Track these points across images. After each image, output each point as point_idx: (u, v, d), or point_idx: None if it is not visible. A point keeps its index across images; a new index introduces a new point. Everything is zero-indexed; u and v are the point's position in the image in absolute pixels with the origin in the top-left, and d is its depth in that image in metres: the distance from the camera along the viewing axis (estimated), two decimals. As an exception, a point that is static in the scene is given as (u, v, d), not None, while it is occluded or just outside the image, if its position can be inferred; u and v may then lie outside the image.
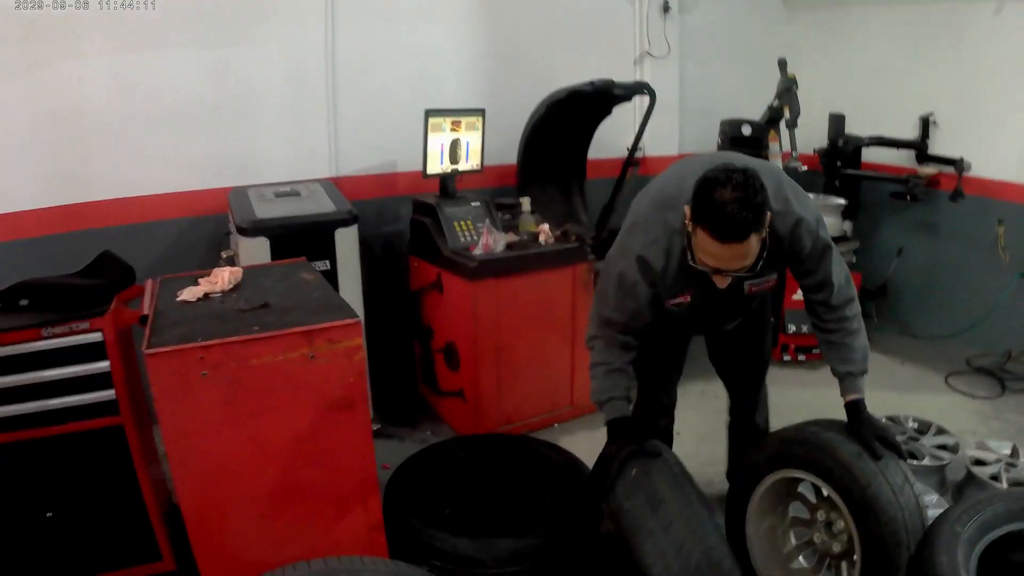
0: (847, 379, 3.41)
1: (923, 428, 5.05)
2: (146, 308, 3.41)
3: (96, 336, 3.37)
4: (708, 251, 2.95)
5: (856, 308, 3.42)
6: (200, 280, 3.59)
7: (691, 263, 3.09)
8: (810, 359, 6.72)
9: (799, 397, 5.97)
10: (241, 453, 3.02)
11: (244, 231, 4.72)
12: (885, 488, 3.09)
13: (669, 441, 4.25)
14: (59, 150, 4.97)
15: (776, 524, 3.70)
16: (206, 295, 3.47)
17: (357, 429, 3.22)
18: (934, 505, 3.97)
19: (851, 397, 3.40)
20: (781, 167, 4.01)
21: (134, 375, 3.64)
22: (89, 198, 5.10)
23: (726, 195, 2.79)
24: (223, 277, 3.59)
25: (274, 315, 3.18)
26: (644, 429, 3.77)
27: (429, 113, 5.43)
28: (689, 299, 3.40)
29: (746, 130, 6.98)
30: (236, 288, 3.58)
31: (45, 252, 4.84)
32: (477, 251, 5.16)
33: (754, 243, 2.92)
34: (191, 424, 2.91)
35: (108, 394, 3.43)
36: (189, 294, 3.44)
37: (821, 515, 3.49)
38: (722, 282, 3.07)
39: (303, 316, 3.16)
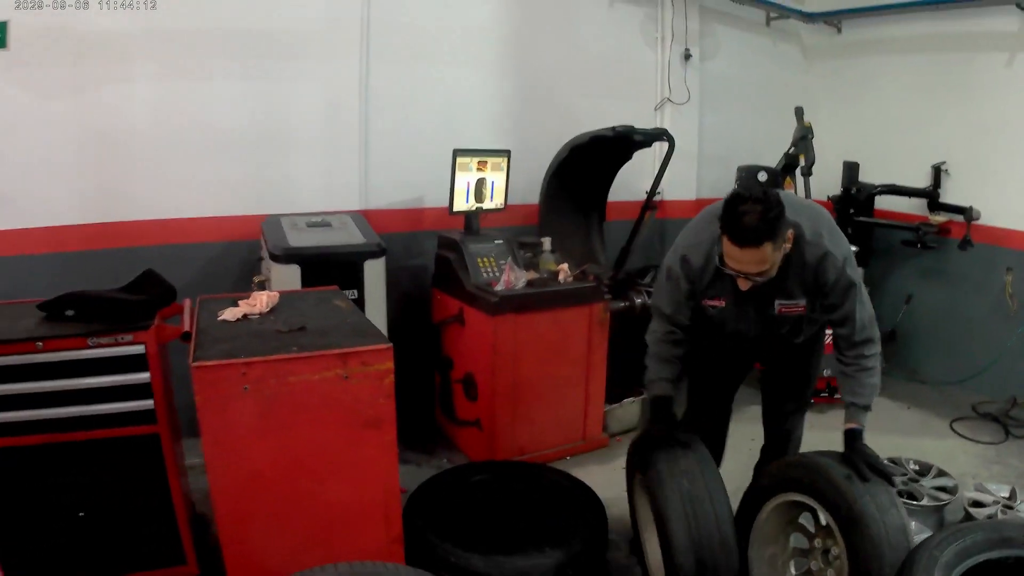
0: (850, 409, 3.72)
1: (924, 470, 5.19)
2: (187, 325, 3.63)
3: (139, 348, 3.53)
4: (730, 255, 3.44)
5: (875, 349, 3.71)
6: (240, 302, 3.81)
7: (718, 264, 3.57)
8: (818, 402, 6.81)
9: (805, 439, 6.12)
10: (274, 463, 3.23)
11: (277, 258, 4.90)
12: (871, 507, 3.31)
13: (717, 451, 4.53)
14: (103, 169, 5.16)
15: (778, 553, 3.91)
16: (245, 316, 3.69)
17: (384, 447, 3.42)
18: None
19: (849, 425, 3.70)
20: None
21: (169, 388, 3.82)
22: (129, 217, 5.27)
23: (746, 208, 3.29)
24: (261, 300, 3.82)
25: (311, 337, 3.40)
26: (692, 429, 4.13)
27: (457, 152, 5.62)
28: (723, 304, 3.83)
29: (762, 176, 7.07)
30: (273, 311, 3.81)
31: (84, 267, 5.02)
32: (499, 287, 5.34)
33: (768, 251, 3.36)
34: (230, 434, 3.12)
35: (147, 404, 3.58)
36: (230, 314, 3.67)
37: (819, 543, 3.72)
38: (744, 284, 3.52)
39: (339, 339, 3.38)
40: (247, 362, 3.09)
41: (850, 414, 3.72)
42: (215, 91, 5.42)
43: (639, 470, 3.99)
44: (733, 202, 3.36)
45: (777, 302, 3.75)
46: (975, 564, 2.97)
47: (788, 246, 3.51)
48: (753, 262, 3.41)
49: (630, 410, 6.33)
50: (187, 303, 3.93)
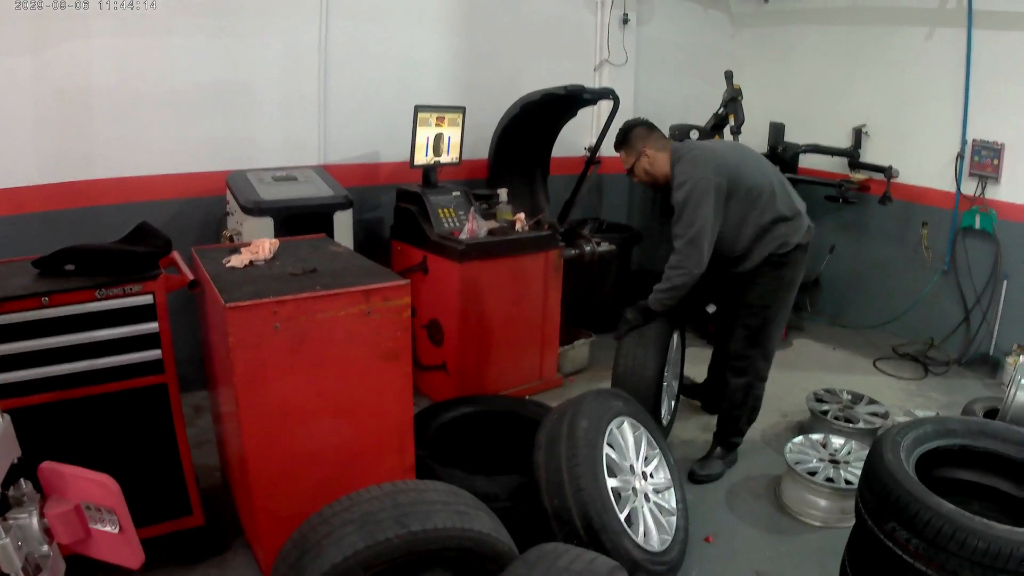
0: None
1: (856, 399, 5.70)
2: (188, 274, 3.66)
3: (147, 299, 3.47)
4: None
5: (674, 262, 4.65)
6: (242, 249, 3.95)
7: None
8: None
9: None
10: (303, 399, 3.42)
11: (249, 211, 5.03)
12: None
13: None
14: (63, 128, 5.09)
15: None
16: (251, 262, 3.83)
17: (401, 377, 3.64)
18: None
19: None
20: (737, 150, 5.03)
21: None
22: (91, 176, 5.24)
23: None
24: (264, 247, 3.95)
25: (327, 278, 3.58)
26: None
27: (419, 108, 5.82)
28: None
29: (693, 135, 7.47)
30: (276, 257, 3.95)
31: (44, 228, 4.94)
32: (463, 235, 5.58)
33: (623, 156, 4.99)
34: (263, 372, 3.28)
35: (155, 354, 3.54)
36: (237, 260, 3.80)
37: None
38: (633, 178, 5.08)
39: (355, 279, 3.57)
40: (279, 301, 3.25)
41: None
42: (175, 48, 5.40)
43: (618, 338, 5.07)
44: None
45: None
46: (927, 450, 3.39)
47: (644, 163, 4.86)
48: (622, 160, 5.03)
49: (581, 351, 6.66)
50: (176, 255, 3.87)
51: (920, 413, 5.35)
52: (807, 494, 4.55)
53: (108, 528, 1.94)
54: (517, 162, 6.89)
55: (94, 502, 1.93)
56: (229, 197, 5.35)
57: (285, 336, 3.29)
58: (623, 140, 4.96)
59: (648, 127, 4.95)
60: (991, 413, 5.22)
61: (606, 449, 3.73)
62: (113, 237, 3.77)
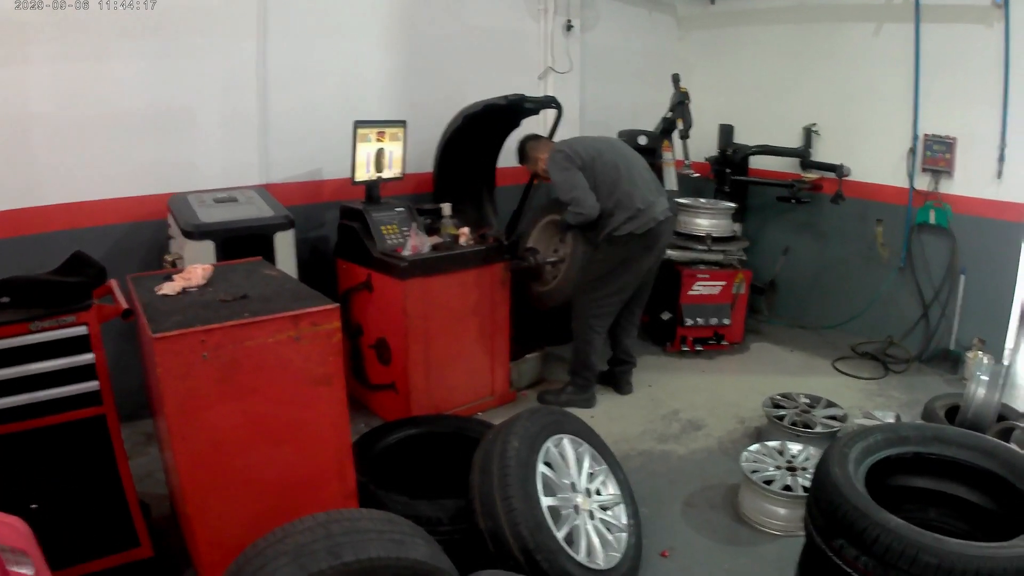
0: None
1: (814, 402, 5.59)
2: (123, 303, 3.57)
3: (81, 330, 3.44)
4: None
5: (571, 206, 5.79)
6: (175, 276, 3.85)
7: None
8: (707, 349, 7.28)
9: (697, 382, 6.66)
10: (235, 427, 3.34)
11: (190, 234, 4.91)
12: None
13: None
14: (3, 155, 4.98)
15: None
16: (183, 289, 3.74)
17: (335, 403, 3.58)
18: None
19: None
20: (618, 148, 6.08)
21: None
22: (33, 203, 5.13)
23: None
24: (197, 273, 3.87)
25: (256, 304, 3.50)
26: None
27: (358, 124, 5.72)
28: None
29: (642, 140, 7.49)
30: (209, 283, 3.86)
31: None
32: (405, 252, 5.47)
33: (528, 167, 6.35)
34: (193, 401, 3.21)
35: (93, 385, 3.50)
36: (169, 288, 3.71)
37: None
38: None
39: (284, 304, 3.51)
40: (206, 330, 3.19)
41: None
42: (113, 71, 5.27)
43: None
44: None
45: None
46: (878, 460, 3.29)
47: (540, 165, 6.11)
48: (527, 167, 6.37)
49: (533, 364, 6.59)
50: (114, 283, 3.81)
51: (879, 414, 5.26)
52: (765, 503, 4.47)
53: (24, 571, 1.90)
54: (462, 175, 6.78)
55: (6, 544, 1.86)
56: (171, 220, 5.25)
57: (214, 365, 3.23)
58: (522, 155, 6.32)
59: (535, 137, 6.34)
60: (952, 411, 5.21)
61: (541, 468, 3.68)
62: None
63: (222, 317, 3.31)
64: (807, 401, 5.60)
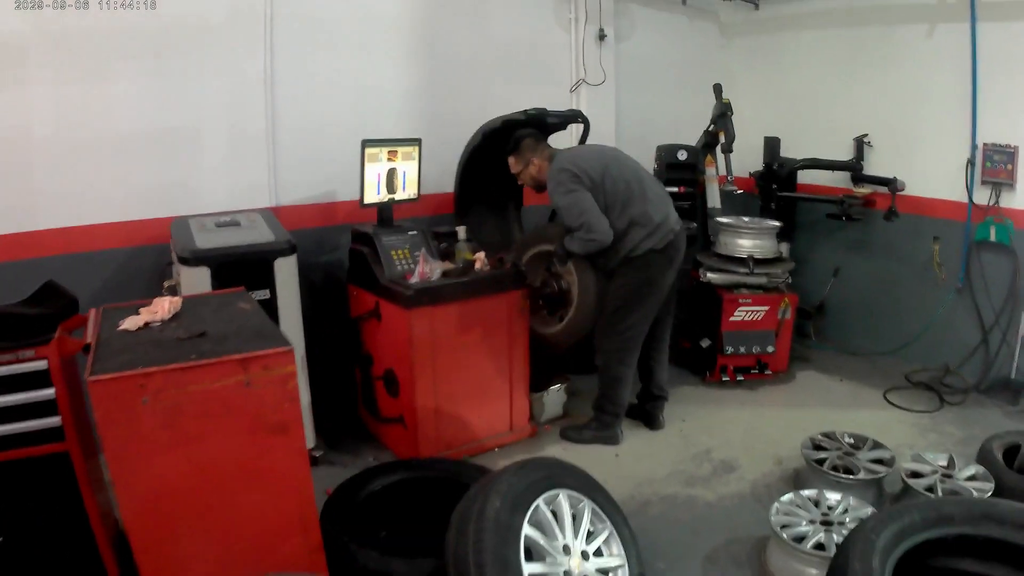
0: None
1: (859, 443, 5.11)
2: (89, 337, 3.40)
3: (42, 364, 3.36)
4: None
5: (580, 232, 5.28)
6: (141, 310, 3.60)
7: None
8: (749, 379, 6.82)
9: (735, 416, 6.19)
10: (183, 476, 3.05)
11: (185, 260, 4.70)
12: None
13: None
14: (2, 178, 4.93)
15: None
16: (146, 324, 3.49)
17: (293, 453, 3.26)
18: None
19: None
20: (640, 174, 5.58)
21: (79, 403, 3.63)
22: (32, 227, 5.04)
23: None
24: (163, 307, 3.61)
25: (211, 343, 3.22)
26: None
27: (366, 143, 5.44)
28: None
29: (682, 155, 7.17)
30: (176, 317, 3.61)
31: None
32: (413, 279, 5.16)
33: (512, 162, 5.71)
34: (134, 448, 2.94)
35: (54, 421, 3.41)
36: (130, 323, 3.46)
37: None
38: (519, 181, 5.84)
39: (239, 344, 3.20)
40: (145, 373, 2.91)
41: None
42: (114, 92, 5.17)
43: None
44: None
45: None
46: (914, 545, 2.86)
47: (532, 170, 5.62)
48: (510, 165, 5.75)
49: (557, 397, 6.21)
50: (91, 313, 3.71)
51: (930, 456, 4.79)
52: (795, 563, 3.99)
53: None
54: (486, 194, 6.50)
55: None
56: (172, 245, 5.03)
57: (156, 410, 2.93)
58: (514, 147, 5.67)
59: (536, 138, 5.70)
60: (1012, 451, 4.77)
61: (527, 530, 3.28)
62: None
63: (168, 359, 3.01)
64: (851, 441, 5.13)
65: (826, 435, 5.19)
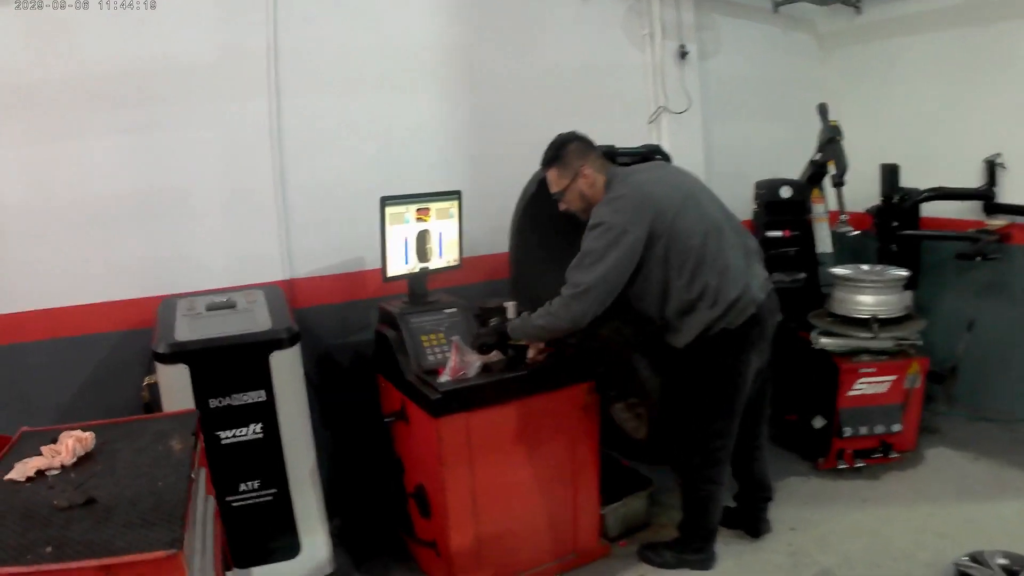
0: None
1: (1015, 565, 4.06)
2: None
3: None
4: None
5: (555, 310, 4.05)
6: (43, 448, 2.98)
7: None
8: (870, 464, 5.69)
9: (856, 520, 5.10)
10: None
11: (160, 357, 3.92)
12: None
13: None
14: None
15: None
16: (41, 471, 2.87)
17: None
18: None
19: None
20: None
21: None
22: (7, 309, 4.43)
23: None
24: (68, 447, 2.98)
25: (89, 522, 2.49)
26: None
27: (386, 201, 4.60)
28: None
29: (785, 192, 6.28)
30: (88, 457, 3.01)
31: None
32: (444, 377, 4.21)
33: (554, 176, 4.38)
34: None
35: None
36: (19, 471, 2.84)
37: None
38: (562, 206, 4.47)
39: (117, 530, 2.41)
40: None
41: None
42: (91, 150, 4.55)
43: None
44: None
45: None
46: None
47: (582, 185, 4.29)
48: (551, 182, 4.42)
49: (636, 506, 5.17)
50: (17, 435, 3.18)
51: None
52: None
53: None
54: (550, 253, 5.30)
55: None
56: (152, 334, 4.27)
57: None
58: (555, 156, 4.36)
59: (587, 143, 4.40)
60: None
61: None
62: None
63: (14, 550, 2.30)
64: (1005, 563, 4.06)
65: (973, 558, 4.15)
